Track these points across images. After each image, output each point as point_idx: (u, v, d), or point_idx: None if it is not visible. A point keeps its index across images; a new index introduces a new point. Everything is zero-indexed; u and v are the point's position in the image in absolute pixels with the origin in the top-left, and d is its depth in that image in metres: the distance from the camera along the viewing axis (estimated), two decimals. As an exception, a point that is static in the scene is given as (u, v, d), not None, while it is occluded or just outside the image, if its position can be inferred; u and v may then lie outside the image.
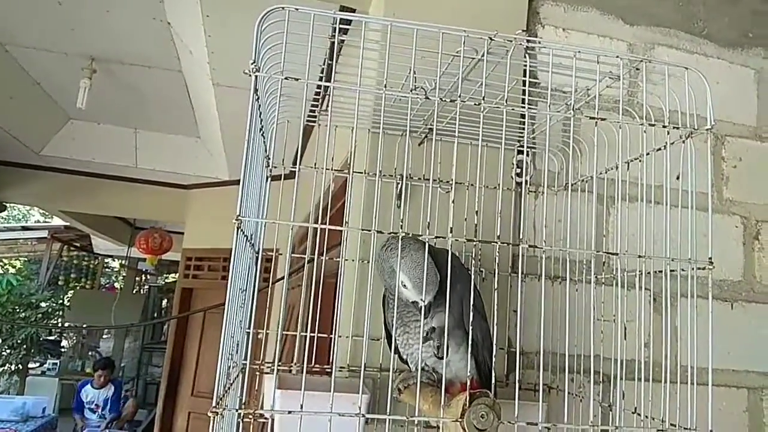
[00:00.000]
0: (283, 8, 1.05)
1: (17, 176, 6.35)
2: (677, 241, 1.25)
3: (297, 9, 1.05)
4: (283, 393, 1.17)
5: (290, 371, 1.59)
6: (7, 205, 7.14)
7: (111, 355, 12.43)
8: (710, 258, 1.16)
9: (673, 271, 1.23)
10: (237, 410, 1.02)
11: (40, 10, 3.57)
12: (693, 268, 1.19)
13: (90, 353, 13.01)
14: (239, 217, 1.01)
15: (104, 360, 8.50)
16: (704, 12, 2.03)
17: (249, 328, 1.33)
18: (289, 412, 0.99)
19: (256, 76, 1.04)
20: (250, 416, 1.25)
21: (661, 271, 1.25)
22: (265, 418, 1.31)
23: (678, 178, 1.30)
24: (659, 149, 1.26)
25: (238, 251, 1.08)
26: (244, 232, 1.09)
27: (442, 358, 1.25)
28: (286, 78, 1.07)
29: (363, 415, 1.05)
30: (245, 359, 1.33)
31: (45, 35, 3.92)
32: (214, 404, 0.95)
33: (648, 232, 1.27)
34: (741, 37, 2.06)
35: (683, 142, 1.24)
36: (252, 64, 1.03)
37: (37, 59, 4.27)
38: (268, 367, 1.54)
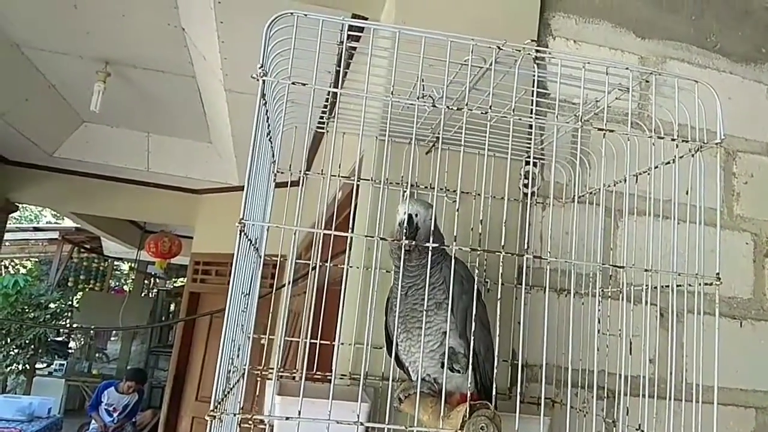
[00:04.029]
0: (292, 14, 1.05)
1: (30, 177, 6.41)
2: (685, 256, 1.23)
3: (306, 15, 1.06)
4: (282, 399, 1.16)
5: (293, 378, 1.58)
6: (20, 205, 7.19)
7: (118, 357, 12.48)
8: (717, 273, 1.15)
9: (680, 286, 1.21)
10: (235, 415, 1.01)
11: (57, 14, 3.61)
12: (700, 284, 1.18)
13: (97, 355, 13.06)
14: (242, 221, 1.01)
15: (136, 371, 8.51)
16: (717, 27, 2.02)
17: (250, 332, 1.32)
18: (287, 418, 0.99)
19: (263, 81, 1.05)
20: (250, 422, 1.24)
21: (668, 286, 1.23)
22: (265, 424, 1.30)
23: (687, 192, 1.29)
24: (668, 163, 1.25)
25: (241, 255, 1.08)
26: (247, 236, 1.09)
27: (455, 370, 1.24)
28: (293, 83, 1.07)
29: (361, 423, 1.04)
30: (246, 364, 1.32)
31: (61, 38, 3.97)
32: (212, 408, 0.95)
33: (656, 246, 1.26)
34: (754, 52, 2.04)
35: (692, 155, 1.22)
36: (260, 68, 1.04)
37: (53, 62, 4.33)
38: (271, 373, 1.53)
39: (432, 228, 1.27)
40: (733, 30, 2.03)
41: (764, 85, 2.03)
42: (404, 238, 1.19)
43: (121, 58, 4.17)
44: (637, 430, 1.24)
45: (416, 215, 1.23)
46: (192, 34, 3.61)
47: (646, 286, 1.26)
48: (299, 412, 0.97)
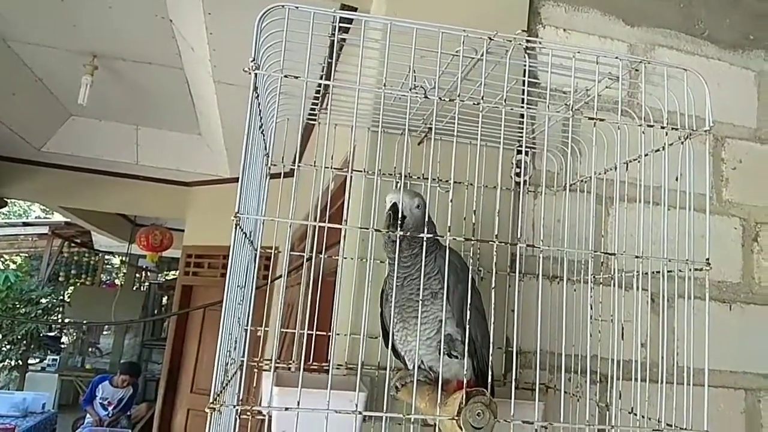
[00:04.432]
0: (283, 6, 1.05)
1: (18, 172, 6.36)
2: (675, 242, 1.25)
3: (297, 7, 1.06)
4: (280, 390, 1.17)
5: (289, 369, 1.59)
6: (8, 200, 7.14)
7: (111, 351, 12.46)
8: (707, 259, 1.17)
9: (671, 271, 1.23)
10: (234, 406, 1.02)
11: (43, 7, 3.57)
12: (690, 269, 1.19)
13: (90, 349, 13.03)
14: (238, 214, 1.01)
15: (130, 364, 8.51)
16: (705, 14, 2.03)
17: (247, 325, 1.33)
18: (286, 409, 1.00)
19: (255, 74, 1.05)
20: (248, 413, 1.25)
21: (658, 272, 1.25)
22: (263, 415, 1.32)
23: (677, 179, 1.31)
24: (658, 150, 1.26)
25: (236, 248, 1.08)
26: (242, 229, 1.10)
27: (452, 356, 1.25)
28: (285, 76, 1.08)
29: (360, 413, 1.05)
30: (243, 356, 1.33)
31: (47, 31, 3.92)
32: (211, 400, 0.96)
33: (646, 233, 1.27)
34: (742, 39, 2.06)
35: (682, 143, 1.24)
36: (252, 62, 1.04)
37: (40, 55, 4.28)
38: (267, 365, 1.54)
39: (425, 218, 1.28)
40: (721, 17, 2.05)
41: (752, 72, 2.05)
42: (389, 227, 1.20)
43: (108, 51, 4.13)
44: (630, 413, 1.26)
45: (401, 204, 1.24)
46: (180, 26, 3.58)
47: (637, 272, 1.27)
48: (298, 403, 0.98)
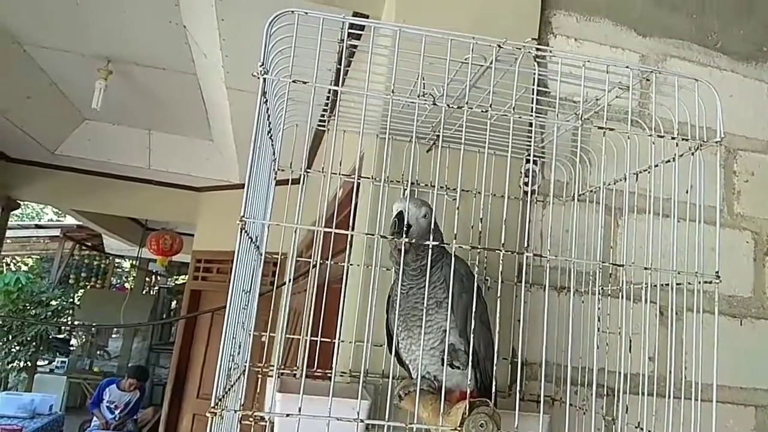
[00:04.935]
0: (293, 12, 1.05)
1: (32, 174, 6.43)
2: (685, 255, 1.23)
3: (306, 13, 1.06)
4: (283, 396, 1.17)
5: (294, 375, 1.58)
6: (21, 202, 7.21)
7: (119, 354, 12.51)
8: (717, 272, 1.15)
9: (680, 284, 1.21)
10: (235, 411, 1.02)
11: (58, 11, 3.62)
12: (700, 282, 1.18)
13: (99, 352, 13.08)
14: (243, 218, 1.01)
15: (138, 368, 8.54)
16: (718, 25, 2.02)
17: (251, 330, 1.33)
18: (287, 415, 0.99)
19: (264, 79, 1.05)
20: (251, 418, 1.25)
21: (667, 284, 1.24)
22: (266, 421, 1.31)
23: (687, 191, 1.29)
24: (668, 161, 1.25)
25: (241, 252, 1.08)
26: (248, 234, 1.09)
27: (455, 367, 1.24)
28: (293, 81, 1.08)
29: (361, 420, 1.05)
30: (247, 361, 1.32)
31: (62, 36, 3.97)
32: (212, 405, 0.95)
33: (656, 245, 1.26)
34: (755, 50, 2.04)
35: (692, 154, 1.22)
36: (260, 66, 1.04)
37: (54, 60, 4.33)
38: (272, 370, 1.53)
39: (432, 226, 1.27)
40: (734, 28, 2.03)
41: (765, 84, 2.03)
42: (394, 235, 1.19)
43: (122, 56, 4.17)
44: (636, 427, 1.24)
45: (407, 213, 1.23)
46: (193, 32, 3.61)
47: (646, 284, 1.26)
48: (299, 409, 0.97)
